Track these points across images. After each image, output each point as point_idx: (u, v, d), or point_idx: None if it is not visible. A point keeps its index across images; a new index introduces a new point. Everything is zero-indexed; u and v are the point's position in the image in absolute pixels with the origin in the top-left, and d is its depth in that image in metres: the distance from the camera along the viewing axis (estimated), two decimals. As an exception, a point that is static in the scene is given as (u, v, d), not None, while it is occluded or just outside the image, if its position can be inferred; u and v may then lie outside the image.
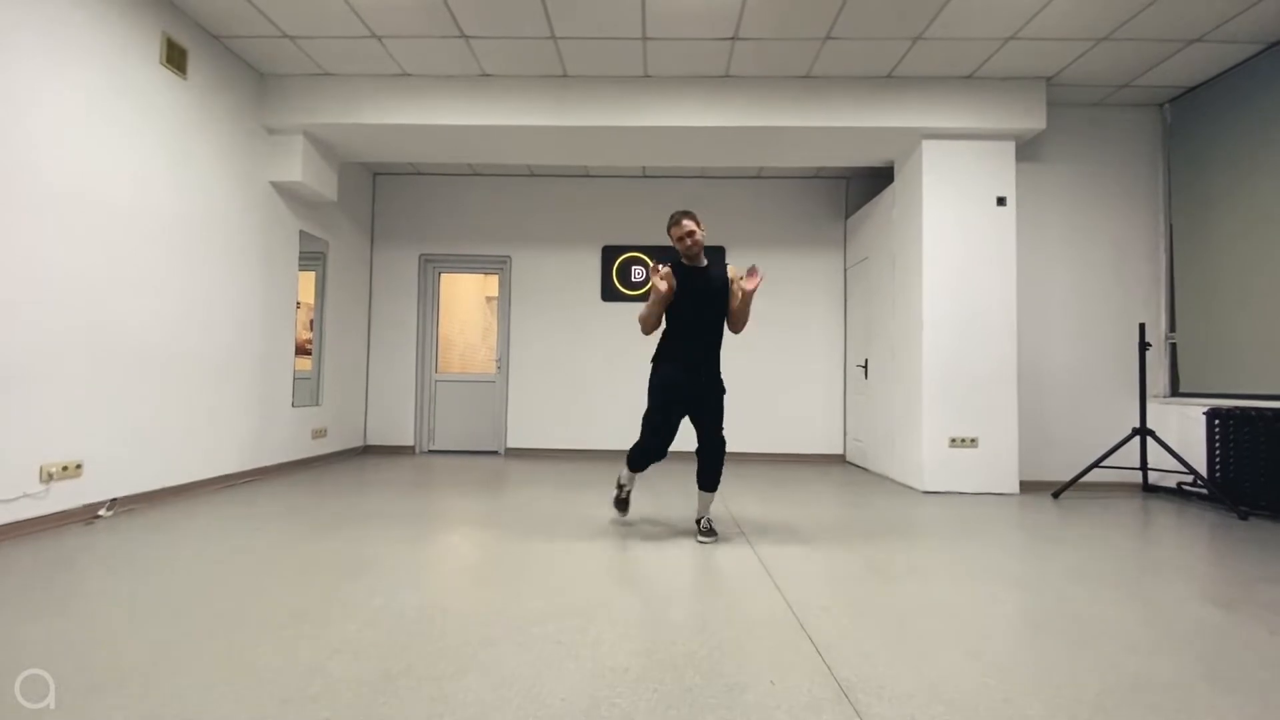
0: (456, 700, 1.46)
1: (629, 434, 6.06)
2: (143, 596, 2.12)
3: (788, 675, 1.61)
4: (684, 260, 2.95)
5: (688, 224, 2.88)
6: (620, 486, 3.22)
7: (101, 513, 3.23)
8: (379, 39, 4.02)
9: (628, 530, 3.15)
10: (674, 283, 2.83)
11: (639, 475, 3.30)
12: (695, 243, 2.88)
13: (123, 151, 3.38)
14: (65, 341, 3.05)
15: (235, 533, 3.01)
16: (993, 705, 1.47)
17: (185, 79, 3.80)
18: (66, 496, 3.07)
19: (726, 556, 2.72)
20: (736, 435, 6.12)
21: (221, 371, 4.17)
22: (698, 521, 3.03)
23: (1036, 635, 1.92)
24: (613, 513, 3.41)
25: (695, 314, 2.91)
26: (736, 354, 6.09)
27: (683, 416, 2.98)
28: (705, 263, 2.98)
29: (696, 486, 3.02)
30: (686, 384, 2.93)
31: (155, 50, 3.57)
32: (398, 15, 3.76)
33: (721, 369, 3.03)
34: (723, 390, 3.01)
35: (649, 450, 3.01)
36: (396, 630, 1.85)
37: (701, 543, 2.89)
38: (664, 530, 3.16)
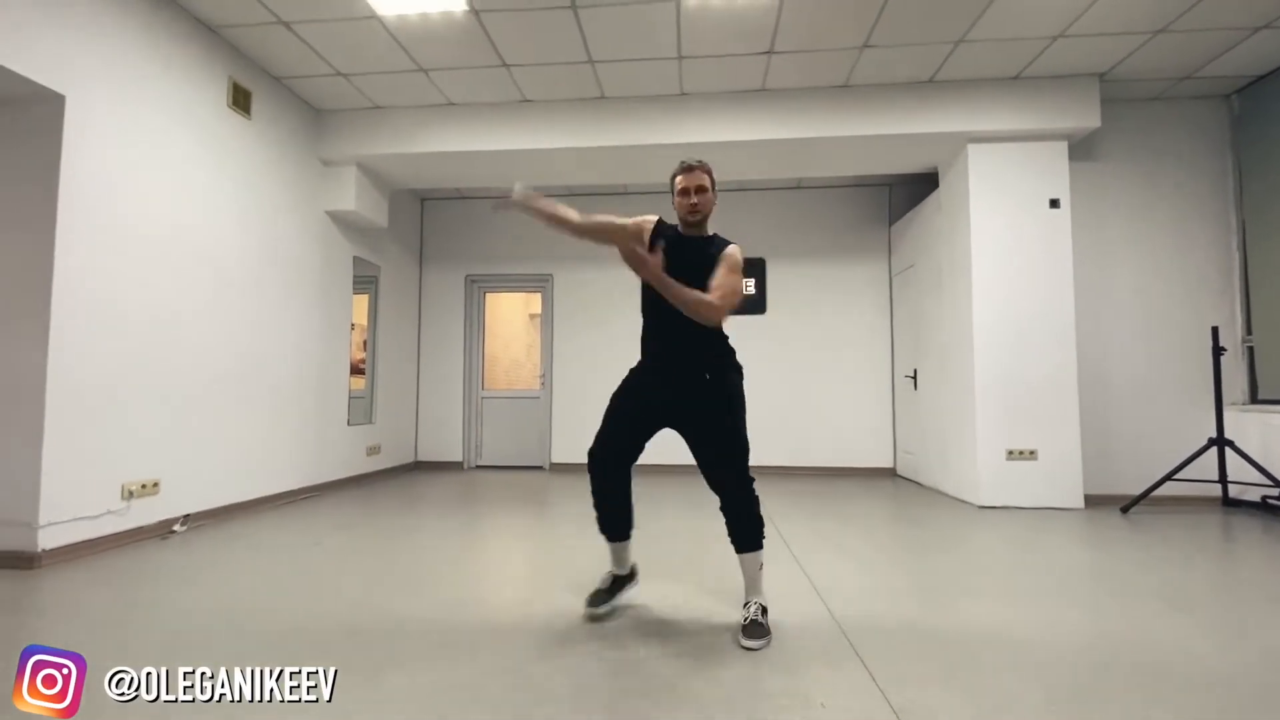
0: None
1: (669, 446, 6.07)
2: (221, 607, 2.24)
3: (838, 697, 1.58)
4: (680, 229, 2.17)
5: (699, 176, 2.09)
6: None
7: (176, 528, 3.42)
8: (425, 72, 4.19)
9: (674, 537, 3.14)
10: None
11: (620, 545, 2.25)
12: (703, 204, 2.10)
13: (194, 190, 3.61)
14: (144, 368, 3.26)
15: (297, 548, 3.14)
16: (1055, 735, 1.41)
17: (249, 119, 4.04)
18: (145, 513, 3.28)
19: (775, 575, 2.68)
20: (780, 448, 6.11)
21: (283, 393, 4.38)
22: (745, 606, 2.04)
23: (1101, 663, 1.83)
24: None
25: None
26: (778, 364, 6.08)
27: (647, 433, 2.19)
28: (709, 232, 2.18)
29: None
30: (656, 388, 2.13)
31: (223, 94, 3.82)
32: (443, 50, 3.92)
33: (725, 364, 2.13)
34: (726, 397, 2.07)
35: (596, 487, 2.21)
36: (450, 644, 1.90)
37: (744, 646, 1.88)
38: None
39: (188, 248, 3.55)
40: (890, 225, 6.07)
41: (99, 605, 2.31)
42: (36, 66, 2.74)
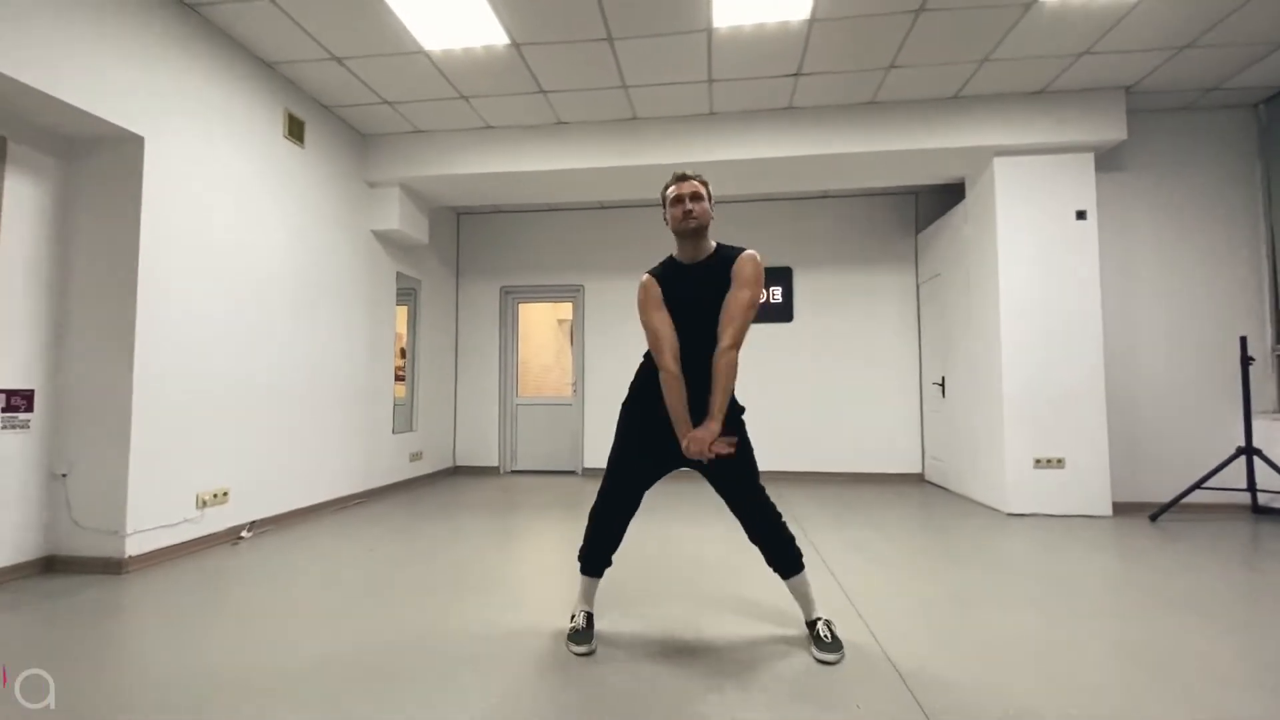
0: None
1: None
2: (271, 608, 2.45)
3: (872, 701, 1.72)
4: (675, 256, 2.13)
5: (693, 184, 2.04)
6: (572, 617, 2.18)
7: (244, 534, 3.67)
8: (466, 99, 4.40)
9: (704, 545, 3.30)
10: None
11: (594, 581, 2.22)
12: (698, 211, 2.02)
13: (256, 216, 3.86)
14: (214, 383, 3.52)
15: (352, 550, 3.37)
16: (1078, 736, 1.54)
17: (303, 147, 4.29)
18: (216, 520, 3.53)
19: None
20: (808, 454, 6.22)
21: (335, 404, 4.62)
22: (809, 625, 2.10)
23: (1127, 668, 1.94)
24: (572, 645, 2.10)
25: (683, 327, 2.04)
26: (806, 371, 6.19)
27: (659, 474, 2.15)
28: (712, 248, 2.09)
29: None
30: (651, 422, 2.07)
31: (279, 125, 4.07)
32: (484, 78, 4.12)
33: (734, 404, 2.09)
34: (741, 435, 2.07)
35: (602, 526, 2.16)
36: (500, 641, 2.09)
37: (819, 660, 1.97)
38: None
39: (251, 270, 3.81)
40: (917, 234, 6.14)
41: (185, 608, 2.53)
42: (118, 111, 2.99)
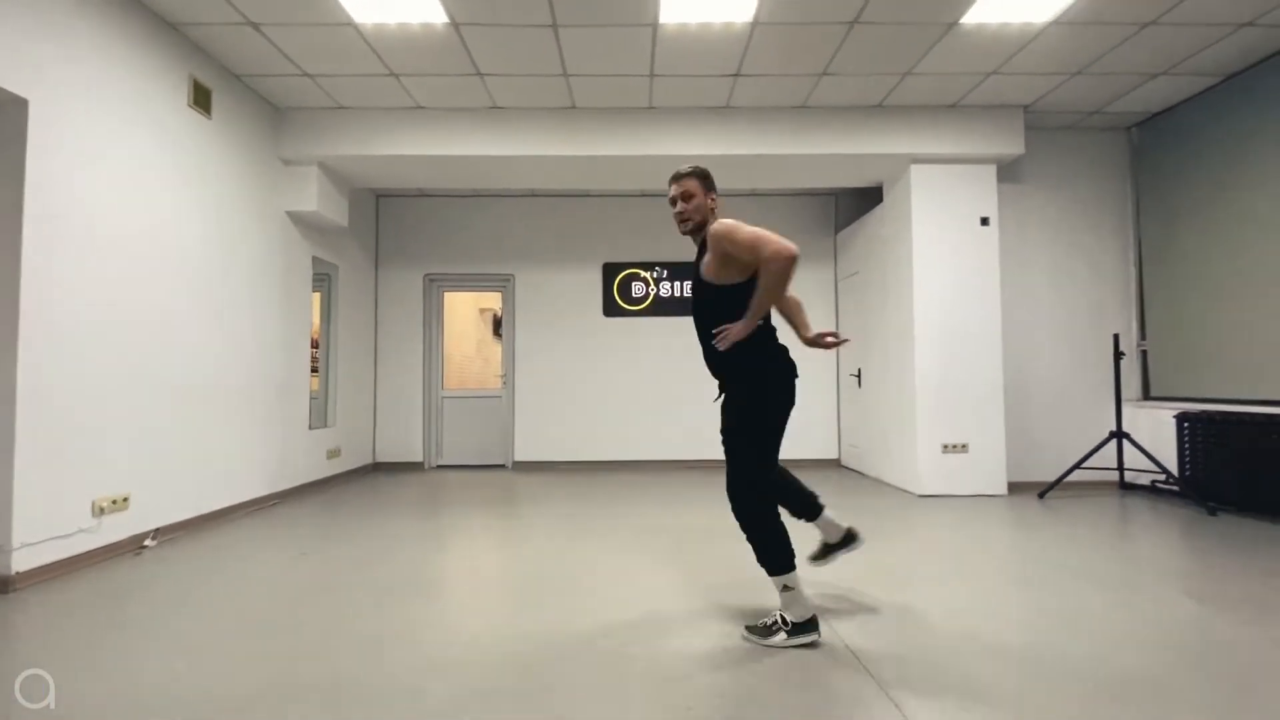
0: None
1: (633, 445, 6.30)
2: (197, 625, 2.28)
3: (832, 678, 1.84)
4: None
5: (684, 183, 2.16)
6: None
7: (147, 543, 3.35)
8: (396, 77, 4.17)
9: (644, 538, 3.36)
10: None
11: (818, 522, 2.42)
12: (688, 212, 2.14)
13: (156, 192, 3.50)
14: (109, 378, 3.16)
15: (263, 562, 3.16)
16: (1004, 695, 1.72)
17: (209, 118, 3.92)
18: (116, 529, 3.19)
19: (736, 558, 2.93)
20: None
21: (247, 399, 4.29)
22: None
23: (1042, 633, 2.18)
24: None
25: (695, 317, 2.23)
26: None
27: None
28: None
29: None
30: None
31: (184, 93, 3.70)
32: (417, 56, 3.93)
33: (732, 366, 2.14)
34: (731, 402, 2.15)
35: (774, 504, 2.20)
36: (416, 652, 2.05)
37: (743, 635, 2.10)
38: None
39: (151, 252, 3.45)
40: (836, 234, 6.47)
41: (81, 627, 2.29)
42: (-3, 69, 2.62)
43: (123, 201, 3.27)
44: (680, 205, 2.12)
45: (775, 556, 2.05)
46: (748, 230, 2.00)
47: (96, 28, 3.10)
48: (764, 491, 2.13)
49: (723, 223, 2.05)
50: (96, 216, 3.11)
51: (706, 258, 2.07)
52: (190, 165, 3.76)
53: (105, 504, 3.12)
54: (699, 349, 2.22)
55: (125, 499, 3.25)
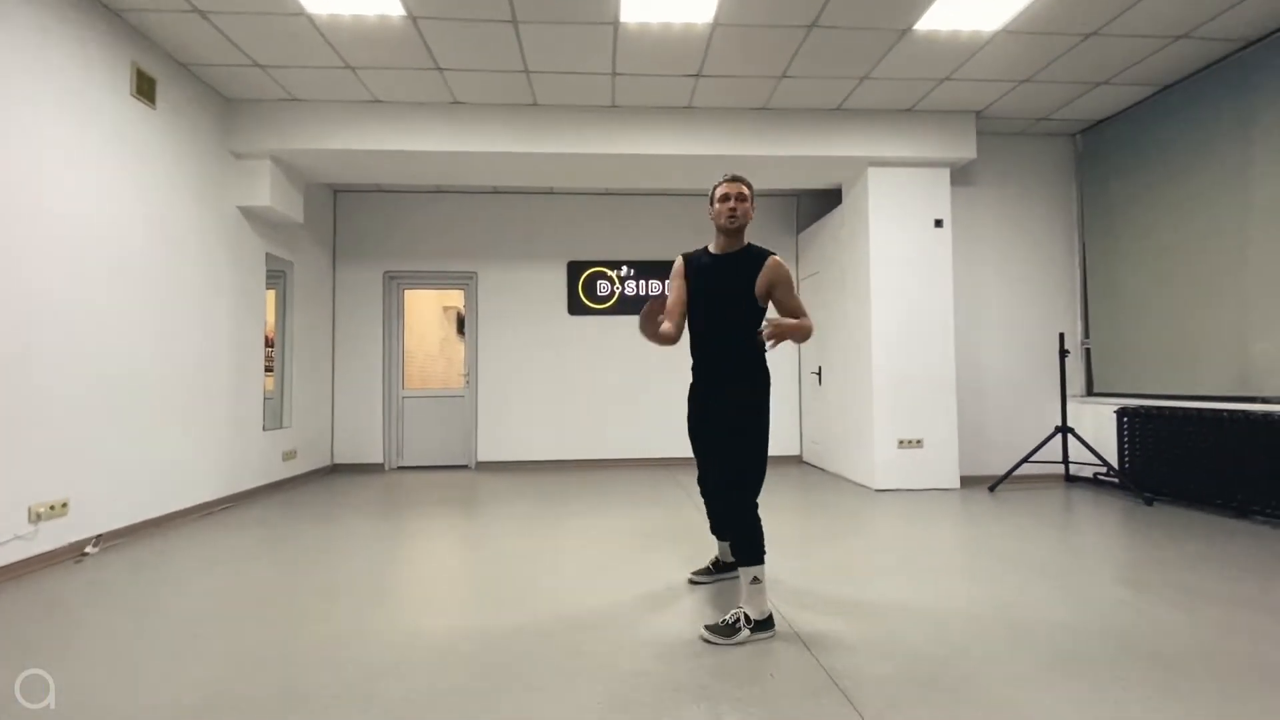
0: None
1: (598, 444, 6.30)
2: (143, 636, 2.21)
3: (783, 668, 1.88)
4: (710, 248, 2.43)
5: (740, 185, 2.31)
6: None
7: (88, 550, 3.22)
8: (352, 69, 4.09)
9: (608, 536, 3.38)
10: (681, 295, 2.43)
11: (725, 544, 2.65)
12: (741, 211, 2.29)
13: (100, 186, 3.36)
14: (50, 378, 3.03)
15: (217, 567, 3.07)
16: (949, 680, 1.78)
17: (154, 108, 3.77)
18: (54, 536, 3.06)
19: (698, 554, 2.97)
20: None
21: (196, 399, 4.15)
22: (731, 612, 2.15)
23: (985, 622, 2.26)
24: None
25: (706, 308, 2.38)
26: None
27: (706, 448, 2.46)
28: (743, 244, 2.36)
29: None
30: (694, 404, 2.50)
31: (126, 82, 3.55)
32: (374, 49, 3.85)
33: (750, 363, 2.34)
34: (735, 401, 2.28)
35: (706, 505, 2.62)
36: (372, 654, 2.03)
37: (702, 636, 2.09)
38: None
39: (90, 247, 3.30)
40: (798, 234, 6.57)
41: (15, 640, 2.20)
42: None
43: (64, 194, 3.13)
44: (736, 204, 2.29)
45: (758, 549, 2.19)
46: (796, 294, 2.36)
47: (31, 10, 2.95)
48: (758, 489, 2.30)
49: (786, 267, 2.32)
50: (36, 209, 2.97)
51: (760, 277, 2.27)
52: (135, 157, 3.62)
53: (43, 509, 2.99)
54: (651, 345, 2.42)
55: (64, 504, 3.12)
